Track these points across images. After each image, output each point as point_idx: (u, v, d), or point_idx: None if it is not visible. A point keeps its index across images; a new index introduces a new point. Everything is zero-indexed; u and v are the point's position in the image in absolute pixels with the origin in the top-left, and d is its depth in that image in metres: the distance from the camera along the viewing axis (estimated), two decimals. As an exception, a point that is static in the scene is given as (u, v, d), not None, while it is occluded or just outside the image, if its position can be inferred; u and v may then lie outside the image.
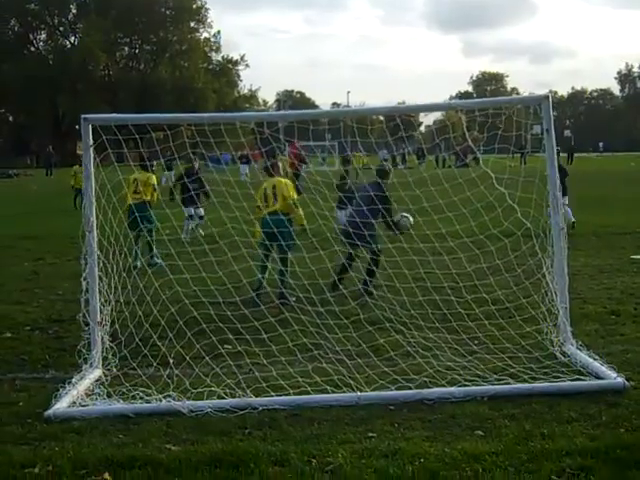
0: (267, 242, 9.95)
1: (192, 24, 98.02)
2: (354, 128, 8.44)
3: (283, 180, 11.25)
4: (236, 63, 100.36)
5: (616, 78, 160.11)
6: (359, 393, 6.70)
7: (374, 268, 10.08)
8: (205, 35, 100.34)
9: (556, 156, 8.18)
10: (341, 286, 9.72)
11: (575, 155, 65.76)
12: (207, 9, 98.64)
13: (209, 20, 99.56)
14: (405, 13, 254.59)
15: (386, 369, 7.19)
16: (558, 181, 8.01)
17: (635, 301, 10.55)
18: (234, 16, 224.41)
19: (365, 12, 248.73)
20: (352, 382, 6.91)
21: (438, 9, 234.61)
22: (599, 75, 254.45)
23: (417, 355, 7.56)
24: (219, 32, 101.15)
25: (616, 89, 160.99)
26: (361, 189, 10.56)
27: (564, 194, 28.24)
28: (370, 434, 5.90)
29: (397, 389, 6.79)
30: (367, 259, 10.44)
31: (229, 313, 8.14)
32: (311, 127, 9.11)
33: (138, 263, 12.46)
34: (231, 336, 7.82)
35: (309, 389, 6.78)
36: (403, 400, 6.59)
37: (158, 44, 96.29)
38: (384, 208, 10.08)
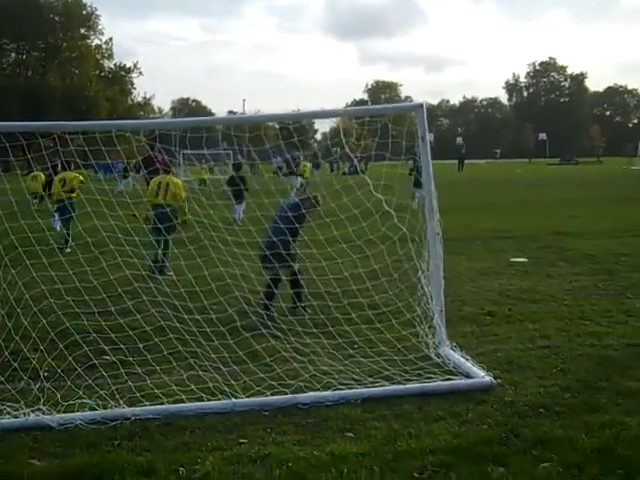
0: (157, 226, 11.85)
1: (82, 31, 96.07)
2: (246, 138, 8.51)
3: (175, 179, 13.80)
4: (129, 70, 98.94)
5: (504, 88, 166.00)
6: (234, 400, 6.70)
7: (299, 289, 9.87)
8: (97, 42, 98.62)
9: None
10: (273, 314, 9.47)
11: (466, 162, 67.71)
12: (98, 15, 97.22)
13: (100, 27, 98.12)
14: (301, 21, 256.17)
15: (262, 375, 7.21)
16: (433, 187, 8.22)
17: (510, 302, 10.95)
18: (128, 23, 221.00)
19: (260, 19, 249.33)
20: (227, 389, 6.89)
21: (334, 17, 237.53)
22: (490, 84, 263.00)
23: (294, 360, 7.60)
24: (111, 39, 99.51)
25: (504, 98, 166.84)
26: (279, 209, 9.95)
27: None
28: (241, 440, 5.91)
29: (272, 394, 6.83)
30: (288, 284, 10.03)
31: (103, 323, 8.00)
32: (205, 135, 9.03)
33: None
34: (106, 347, 7.68)
35: (184, 397, 6.73)
36: (278, 405, 6.63)
37: (47, 50, 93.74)
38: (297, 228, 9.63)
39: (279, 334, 8.27)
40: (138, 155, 15.07)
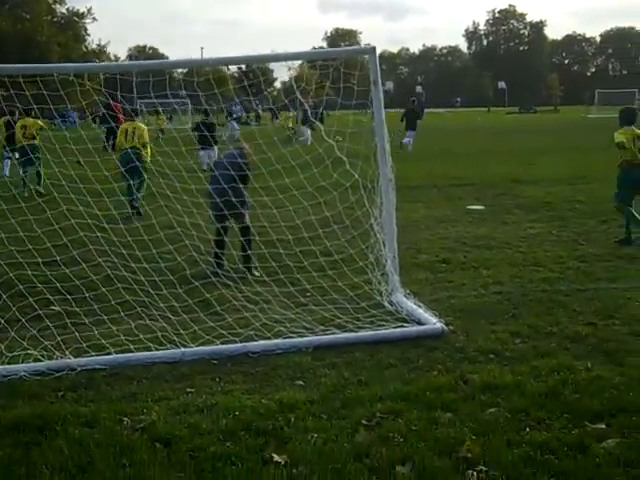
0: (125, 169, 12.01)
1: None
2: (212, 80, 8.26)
3: (141, 125, 15.23)
4: (82, 16, 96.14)
5: (464, 36, 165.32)
6: (183, 349, 6.60)
7: (249, 237, 9.42)
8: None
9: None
10: (224, 263, 9.27)
11: (426, 110, 67.43)
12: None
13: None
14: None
15: (212, 324, 7.10)
16: (386, 132, 8.07)
17: (465, 249, 10.96)
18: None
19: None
20: (177, 339, 6.78)
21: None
22: (450, 32, 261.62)
23: (245, 309, 7.51)
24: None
25: (464, 46, 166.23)
26: (228, 155, 9.72)
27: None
28: (189, 390, 5.82)
29: (222, 343, 6.73)
30: (238, 235, 9.60)
31: (49, 273, 7.81)
32: (161, 80, 8.73)
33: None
34: (52, 297, 7.50)
35: (132, 347, 6.61)
36: (228, 354, 6.55)
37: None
38: (242, 175, 9.28)
39: (230, 283, 8.16)
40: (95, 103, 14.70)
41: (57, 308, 7.41)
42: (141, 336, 6.81)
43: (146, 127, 15.40)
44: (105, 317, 7.22)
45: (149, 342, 6.72)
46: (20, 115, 18.05)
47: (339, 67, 8.23)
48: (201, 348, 6.66)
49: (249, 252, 9.34)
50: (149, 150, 14.20)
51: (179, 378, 6.10)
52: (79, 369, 6.20)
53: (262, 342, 6.76)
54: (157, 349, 6.62)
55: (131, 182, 13.30)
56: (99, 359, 6.41)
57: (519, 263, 9.94)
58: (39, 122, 17.79)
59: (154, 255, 8.32)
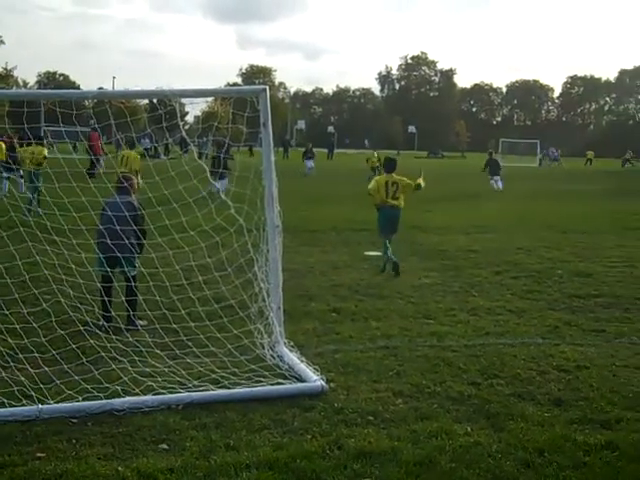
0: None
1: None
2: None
3: (133, 153, 19.06)
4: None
5: (377, 79, 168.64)
6: (40, 406, 6.06)
7: (134, 298, 8.67)
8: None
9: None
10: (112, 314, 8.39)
11: (336, 151, 68.13)
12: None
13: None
14: (179, 0, 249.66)
15: (76, 377, 6.59)
16: (274, 176, 7.79)
17: (358, 298, 10.73)
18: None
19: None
20: (34, 393, 6.23)
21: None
22: (363, 75, 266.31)
23: (113, 361, 7.02)
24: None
25: (377, 89, 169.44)
26: (113, 206, 8.57)
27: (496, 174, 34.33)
28: (39, 454, 5.31)
29: (85, 400, 6.22)
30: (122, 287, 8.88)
31: None
32: (75, 112, 8.20)
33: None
34: None
35: (-18, 403, 6.04)
36: (89, 412, 6.05)
37: None
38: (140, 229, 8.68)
39: (99, 332, 7.65)
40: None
41: None
42: (-6, 391, 6.24)
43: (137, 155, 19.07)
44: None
45: (3, 398, 6.15)
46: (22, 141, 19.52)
47: (228, 107, 7.92)
48: (61, 405, 6.13)
49: (135, 298, 8.73)
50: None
51: (31, 440, 5.57)
52: None
53: (128, 399, 6.27)
54: (12, 405, 6.06)
55: None
56: (-57, 416, 5.82)
57: (410, 315, 9.76)
58: (45, 151, 19.15)
59: (17, 299, 7.75)
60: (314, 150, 46.02)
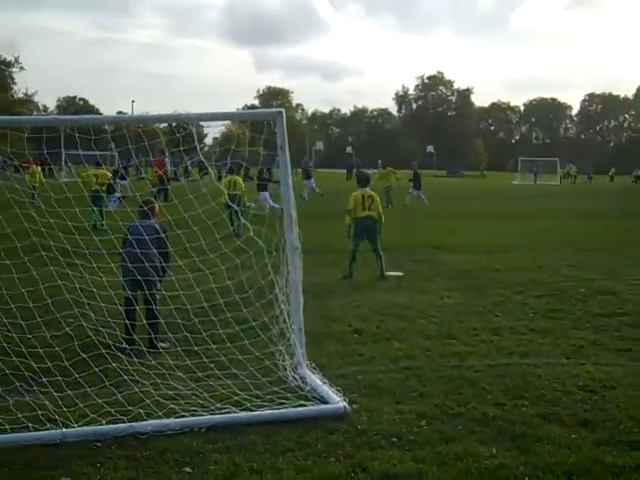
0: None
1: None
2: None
3: (239, 178, 20.46)
4: (9, 64, 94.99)
5: (394, 99, 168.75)
6: (64, 429, 6.07)
7: (155, 321, 8.69)
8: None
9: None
10: (135, 338, 8.31)
11: (354, 171, 68.07)
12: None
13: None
14: (196, 24, 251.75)
15: (99, 400, 6.60)
16: (293, 198, 7.80)
17: (379, 319, 10.68)
18: (10, 15, 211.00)
19: (153, 20, 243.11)
20: (58, 417, 6.24)
21: (231, 22, 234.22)
22: (380, 95, 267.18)
23: (135, 384, 7.02)
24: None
25: (394, 109, 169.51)
26: (136, 230, 8.70)
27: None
28: (64, 478, 5.32)
29: (108, 423, 6.22)
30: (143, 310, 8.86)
31: None
32: (93, 136, 8.30)
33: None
34: None
35: (7, 427, 6.05)
36: (113, 435, 6.06)
37: None
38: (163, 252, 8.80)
39: (122, 355, 7.66)
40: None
41: None
42: (18, 414, 6.26)
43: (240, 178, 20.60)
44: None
45: (27, 421, 6.17)
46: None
47: (245, 130, 7.94)
48: (84, 429, 6.15)
49: (157, 321, 8.72)
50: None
51: (56, 464, 5.58)
52: (-58, 452, 5.63)
53: (151, 422, 6.27)
54: (36, 429, 6.07)
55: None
56: (-34, 441, 5.83)
57: (432, 335, 9.69)
58: (108, 173, 22.72)
59: (39, 323, 7.78)
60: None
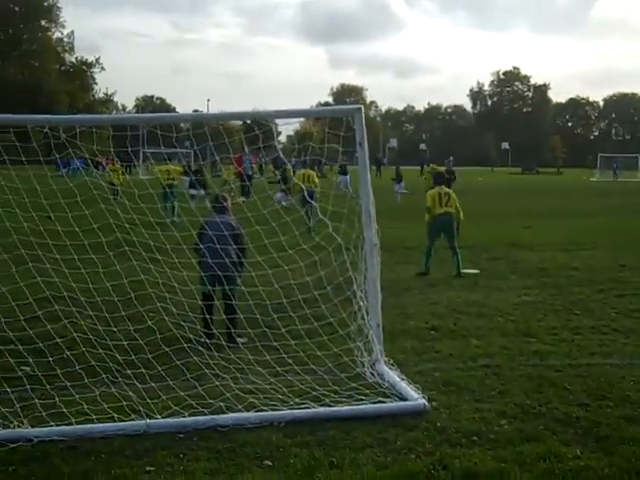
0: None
1: (43, 22, 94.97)
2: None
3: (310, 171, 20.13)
4: (91, 65, 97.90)
5: (468, 95, 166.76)
6: (148, 421, 6.21)
7: (234, 316, 8.69)
8: (58, 35, 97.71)
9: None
10: (214, 332, 8.51)
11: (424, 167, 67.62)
12: (59, 8, 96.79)
13: (62, 19, 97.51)
14: (270, 23, 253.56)
15: (181, 393, 6.72)
16: (371, 195, 7.79)
17: (456, 316, 10.58)
18: (92, 17, 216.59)
19: (228, 19, 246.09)
20: (142, 409, 6.39)
21: (305, 20, 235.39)
22: (454, 92, 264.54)
23: (216, 378, 7.13)
24: (72, 32, 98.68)
25: (469, 106, 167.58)
26: (213, 226, 8.76)
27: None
28: (148, 468, 5.44)
29: (190, 415, 6.34)
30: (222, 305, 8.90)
31: (10, 333, 7.45)
32: (175, 134, 8.54)
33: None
34: (11, 360, 7.13)
35: (94, 417, 6.23)
36: (195, 427, 6.16)
37: (6, 42, 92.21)
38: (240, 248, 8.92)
39: (202, 349, 7.79)
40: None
41: (17, 372, 7.02)
42: (104, 405, 6.44)
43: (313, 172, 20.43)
44: (68, 383, 6.84)
45: (112, 412, 6.33)
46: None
47: (324, 127, 7.97)
48: (167, 420, 6.28)
49: (235, 316, 8.75)
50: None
51: (140, 454, 5.71)
52: (35, 440, 5.82)
53: (232, 415, 6.36)
54: (121, 419, 6.23)
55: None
56: (58, 430, 6.02)
57: (510, 333, 9.56)
58: (179, 169, 23.24)
59: (123, 316, 7.99)
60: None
